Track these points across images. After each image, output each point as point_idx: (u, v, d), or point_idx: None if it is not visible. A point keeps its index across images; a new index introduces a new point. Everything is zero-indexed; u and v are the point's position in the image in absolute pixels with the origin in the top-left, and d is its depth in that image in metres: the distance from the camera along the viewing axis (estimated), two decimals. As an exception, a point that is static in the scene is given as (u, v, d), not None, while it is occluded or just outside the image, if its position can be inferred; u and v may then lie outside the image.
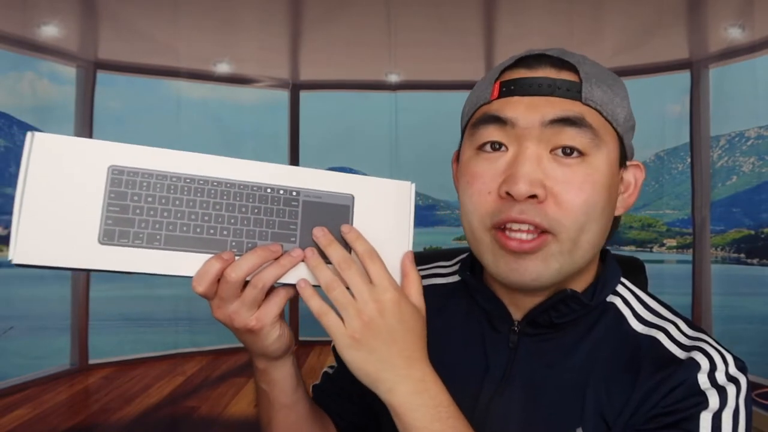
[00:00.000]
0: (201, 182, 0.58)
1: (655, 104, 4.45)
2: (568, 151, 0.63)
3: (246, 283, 0.58)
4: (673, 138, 4.36)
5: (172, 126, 4.55)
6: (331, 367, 0.87)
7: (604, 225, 0.66)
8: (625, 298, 0.71)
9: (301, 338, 4.31)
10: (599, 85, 0.65)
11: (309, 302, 0.59)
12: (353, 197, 0.63)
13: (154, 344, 4.40)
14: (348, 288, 0.58)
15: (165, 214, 0.56)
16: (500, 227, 0.63)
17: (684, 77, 4.05)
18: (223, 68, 4.58)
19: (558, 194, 0.62)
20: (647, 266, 1.00)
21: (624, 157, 0.68)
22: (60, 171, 0.54)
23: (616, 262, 0.74)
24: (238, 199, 0.59)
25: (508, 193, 0.62)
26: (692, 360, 0.62)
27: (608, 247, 0.73)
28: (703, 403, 0.60)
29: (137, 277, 0.57)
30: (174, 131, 4.54)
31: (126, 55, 4.28)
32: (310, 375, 0.73)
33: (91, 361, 3.99)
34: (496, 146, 0.65)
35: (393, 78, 4.79)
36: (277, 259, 0.58)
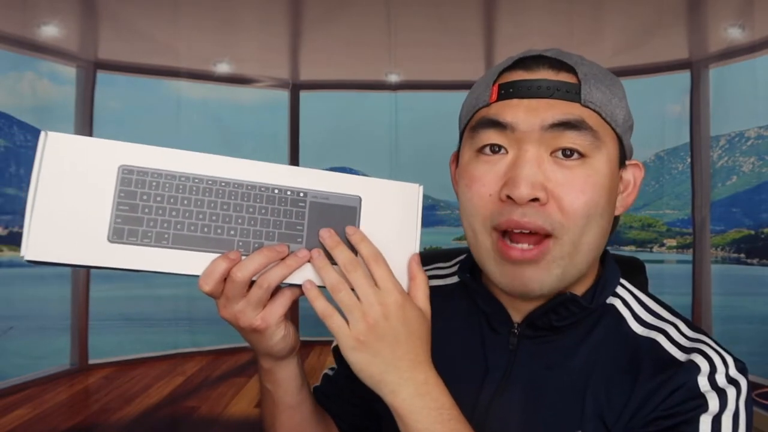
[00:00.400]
0: (209, 182, 0.59)
1: (655, 104, 4.45)
2: (569, 153, 0.63)
3: (252, 283, 0.59)
4: (673, 138, 4.36)
5: (172, 126, 4.55)
6: (332, 368, 0.87)
7: (605, 226, 0.66)
8: (625, 299, 0.71)
9: (301, 338, 4.30)
10: (598, 86, 0.65)
11: (314, 303, 0.59)
12: (360, 199, 0.63)
13: (154, 344, 4.39)
14: (353, 290, 0.59)
15: (173, 213, 0.57)
16: (502, 232, 0.63)
17: (684, 77, 4.05)
18: (223, 68, 4.58)
19: (560, 197, 0.62)
20: (647, 266, 1.00)
21: (623, 156, 0.68)
22: (72, 170, 0.56)
23: (615, 264, 0.74)
24: (245, 199, 0.60)
25: (509, 197, 0.62)
26: (692, 362, 0.62)
27: (608, 248, 0.73)
28: (703, 406, 0.60)
29: (137, 277, 0.57)
30: (174, 131, 4.54)
31: (126, 55, 4.28)
32: (310, 375, 0.73)
33: (91, 361, 3.99)
34: (496, 149, 0.65)
35: (393, 78, 4.79)
36: (283, 259, 0.59)
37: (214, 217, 0.59)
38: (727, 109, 3.99)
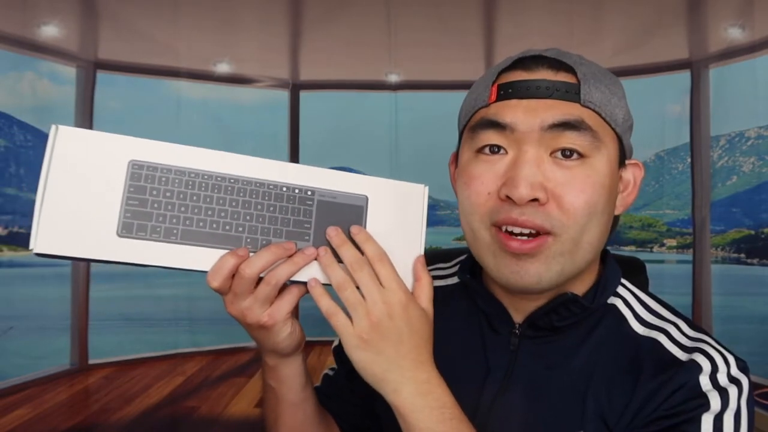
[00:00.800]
0: (218, 179, 0.59)
1: (655, 104, 4.45)
2: (568, 153, 0.62)
3: (259, 280, 0.59)
4: (673, 138, 4.36)
5: (172, 126, 4.55)
6: (332, 369, 0.87)
7: (605, 225, 0.66)
8: (626, 299, 0.71)
9: (301, 338, 4.30)
10: (597, 86, 0.64)
11: (319, 301, 0.59)
12: (367, 198, 0.63)
13: (154, 344, 4.40)
14: (358, 289, 0.59)
15: (182, 209, 0.58)
16: (501, 227, 0.63)
17: (684, 77, 4.05)
18: (223, 68, 4.58)
19: (560, 196, 0.62)
20: (647, 266, 1.00)
21: (623, 156, 0.68)
22: (82, 164, 0.56)
23: (616, 263, 0.74)
24: (254, 196, 0.60)
25: (508, 197, 0.62)
26: (693, 362, 0.62)
27: (608, 248, 0.73)
28: (705, 405, 0.60)
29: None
30: (174, 131, 4.54)
31: (126, 55, 4.28)
32: (311, 375, 0.73)
33: (91, 361, 3.99)
34: (495, 149, 0.64)
35: (393, 78, 4.79)
36: (290, 256, 0.59)
37: (222, 214, 0.59)
38: (727, 109, 3.99)
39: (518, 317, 0.70)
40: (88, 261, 0.56)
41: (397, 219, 0.64)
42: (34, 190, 0.55)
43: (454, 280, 0.81)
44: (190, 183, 0.58)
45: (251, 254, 0.58)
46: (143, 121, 4.72)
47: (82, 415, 3.23)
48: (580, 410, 0.64)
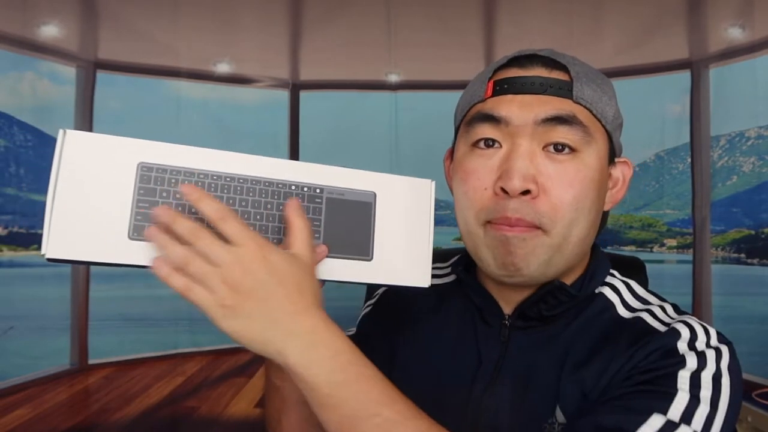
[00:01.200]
0: (227, 179, 0.59)
1: (655, 104, 4.45)
2: (560, 147, 0.64)
3: None
4: (673, 138, 4.36)
5: (172, 126, 4.55)
6: None
7: (593, 220, 0.67)
8: (615, 286, 0.73)
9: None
10: (589, 84, 0.67)
11: (169, 281, 0.53)
12: (375, 194, 0.64)
13: (154, 344, 4.40)
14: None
15: (193, 210, 0.57)
16: (494, 224, 0.65)
17: (684, 77, 4.05)
18: (223, 68, 4.58)
19: (549, 190, 0.64)
20: (647, 266, 1.00)
21: (613, 153, 0.70)
22: (91, 168, 0.56)
23: (605, 256, 0.76)
24: (263, 196, 0.60)
25: (503, 189, 0.63)
26: (672, 329, 0.63)
27: (609, 247, 0.74)
28: (681, 363, 0.60)
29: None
30: (174, 131, 4.54)
31: (126, 55, 4.28)
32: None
33: (91, 361, 3.99)
34: (490, 143, 0.66)
35: (393, 78, 4.79)
36: None
37: None
38: (727, 109, 4.00)
39: (508, 309, 0.72)
40: (100, 265, 0.55)
41: (405, 214, 0.65)
42: (34, 190, 0.54)
43: (451, 278, 0.82)
44: (200, 184, 0.58)
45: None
46: (143, 121, 4.73)
47: (82, 415, 3.24)
48: (557, 385, 0.65)
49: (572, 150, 0.64)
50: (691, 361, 0.60)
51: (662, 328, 0.65)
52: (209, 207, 0.54)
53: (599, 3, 3.88)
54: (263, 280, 0.53)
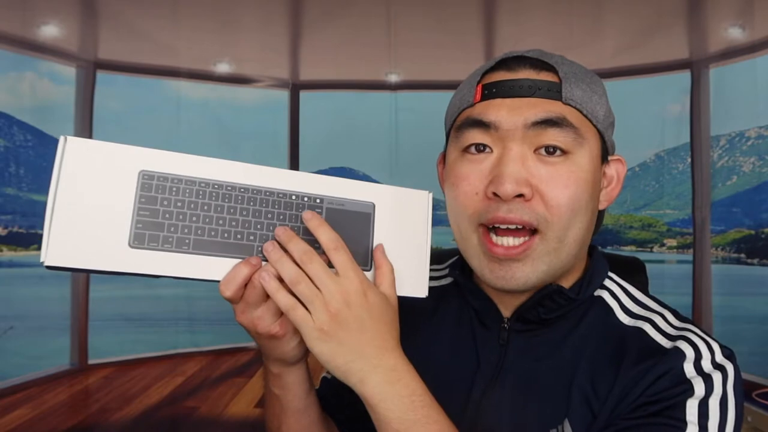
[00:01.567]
0: (228, 188, 0.59)
1: (655, 104, 4.44)
2: (552, 150, 0.64)
3: None
4: (673, 138, 4.35)
5: (172, 126, 4.55)
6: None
7: (589, 220, 0.67)
8: (613, 291, 0.72)
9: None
10: (578, 84, 0.66)
11: (276, 296, 0.57)
12: (374, 205, 0.64)
13: (154, 344, 4.39)
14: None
15: (194, 218, 0.58)
16: (488, 228, 0.65)
17: (684, 77, 4.04)
18: (223, 68, 4.58)
19: (544, 192, 0.63)
20: (648, 266, 1.00)
21: (606, 152, 0.70)
22: (92, 175, 0.55)
23: (603, 258, 0.75)
24: (264, 205, 0.60)
25: (495, 194, 0.63)
26: (677, 349, 0.63)
27: (609, 247, 0.74)
28: (689, 391, 0.60)
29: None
30: (174, 131, 4.54)
31: (126, 55, 4.28)
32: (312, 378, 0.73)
33: (91, 361, 3.99)
34: (481, 148, 0.66)
35: (393, 78, 4.79)
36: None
37: (233, 223, 0.59)
38: (727, 109, 3.99)
39: (507, 312, 0.71)
40: (100, 273, 0.55)
41: (403, 225, 0.65)
42: (34, 190, 0.54)
43: (448, 280, 0.82)
44: (201, 192, 0.58)
45: (263, 263, 0.58)
46: (143, 121, 4.72)
47: (82, 415, 3.24)
48: (566, 400, 0.65)
49: (564, 152, 0.64)
50: (699, 388, 0.60)
51: (666, 344, 0.64)
52: (326, 236, 0.59)
53: (599, 3, 3.88)
54: (360, 314, 0.57)
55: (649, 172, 4.59)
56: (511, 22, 4.20)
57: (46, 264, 0.53)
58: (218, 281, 0.58)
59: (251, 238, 0.59)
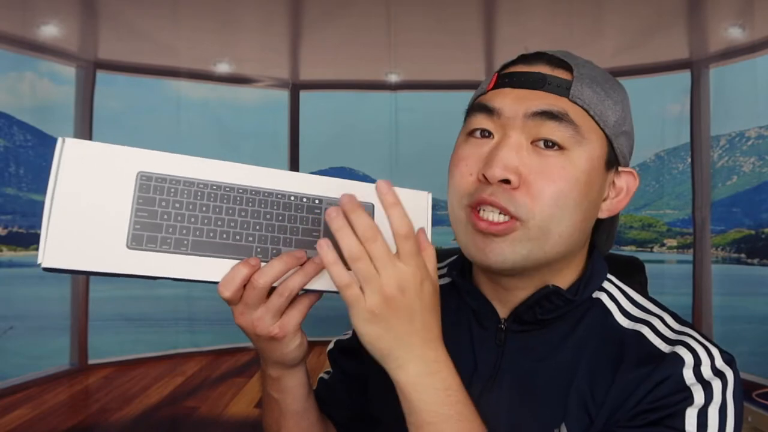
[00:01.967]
0: (227, 189, 0.59)
1: (655, 104, 4.45)
2: (550, 143, 0.64)
3: (271, 290, 0.58)
4: (673, 138, 4.36)
5: (172, 126, 4.55)
6: (327, 372, 0.87)
7: (580, 221, 0.66)
8: (611, 293, 0.72)
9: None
10: (591, 86, 0.66)
11: (330, 269, 0.56)
12: (373, 206, 0.63)
13: (154, 344, 4.39)
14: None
15: (192, 219, 0.57)
16: (474, 207, 0.65)
17: (684, 77, 4.05)
18: (223, 68, 4.58)
19: (530, 183, 0.64)
20: (647, 266, 1.00)
21: (615, 160, 0.69)
22: (89, 176, 0.55)
23: (603, 259, 0.75)
24: (262, 206, 0.60)
25: (485, 176, 0.64)
26: (676, 355, 0.62)
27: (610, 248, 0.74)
28: (689, 399, 0.60)
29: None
30: (174, 131, 4.54)
31: (126, 55, 4.28)
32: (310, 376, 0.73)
33: (91, 361, 3.99)
34: (486, 133, 0.67)
35: (393, 78, 4.79)
36: (301, 265, 0.59)
37: (232, 224, 0.58)
38: (727, 109, 3.99)
39: (504, 312, 0.71)
40: (98, 275, 0.55)
41: None
42: (34, 190, 0.54)
43: (446, 280, 0.81)
44: (199, 193, 0.58)
45: (262, 264, 0.58)
46: (143, 121, 4.72)
47: (82, 415, 3.24)
48: (563, 403, 0.65)
49: (560, 147, 0.64)
50: (698, 396, 0.60)
51: (665, 348, 0.64)
52: (398, 220, 0.58)
53: (599, 3, 3.88)
54: (412, 303, 0.57)
55: (649, 172, 4.59)
56: (511, 22, 4.20)
57: (43, 266, 0.53)
58: (217, 282, 0.58)
59: (250, 239, 0.59)
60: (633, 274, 0.85)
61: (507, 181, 0.63)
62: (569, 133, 0.64)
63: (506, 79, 0.68)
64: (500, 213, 0.64)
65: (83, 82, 4.08)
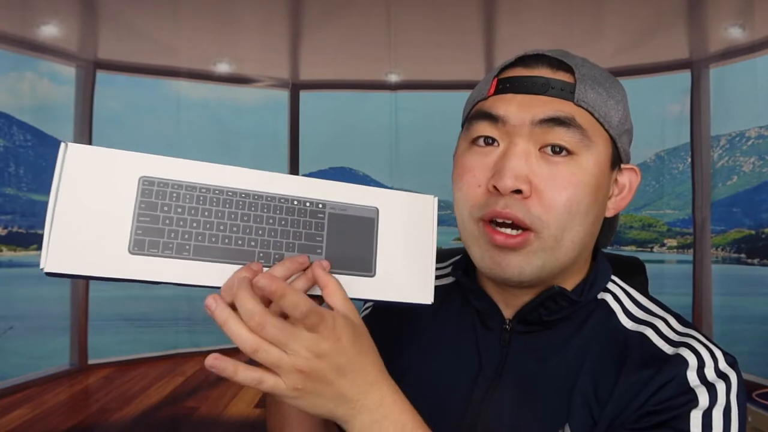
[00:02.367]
0: (229, 193, 0.59)
1: (655, 104, 4.45)
2: (558, 149, 0.64)
3: None
4: (673, 138, 4.36)
5: (172, 126, 4.55)
6: None
7: (590, 224, 0.66)
8: (616, 294, 0.72)
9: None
10: (594, 87, 0.66)
11: (236, 377, 0.52)
12: (378, 210, 0.63)
13: (154, 344, 4.39)
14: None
15: (194, 224, 0.57)
16: (487, 221, 0.65)
17: (684, 77, 4.04)
18: (223, 68, 4.58)
19: (542, 191, 0.63)
20: (648, 266, 1.00)
21: (618, 159, 0.69)
22: (92, 181, 0.55)
23: (607, 261, 0.75)
24: (265, 210, 0.59)
25: (495, 188, 0.63)
26: (680, 357, 0.63)
27: (609, 248, 0.74)
28: (693, 401, 0.60)
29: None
30: (174, 131, 4.54)
31: (126, 55, 4.28)
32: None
33: (91, 361, 3.99)
34: (489, 141, 0.66)
35: (393, 78, 4.79)
36: (304, 270, 0.58)
37: (234, 229, 0.58)
38: (727, 109, 3.99)
39: (508, 313, 0.71)
40: (100, 279, 0.55)
41: (408, 230, 0.64)
42: (34, 190, 0.54)
43: (450, 279, 0.81)
44: (201, 198, 0.58)
45: (265, 269, 0.58)
46: (143, 121, 4.72)
47: (82, 415, 3.24)
48: (567, 404, 0.65)
49: (569, 152, 0.64)
50: (703, 399, 0.60)
51: (669, 350, 0.64)
52: (266, 285, 0.51)
53: (599, 3, 3.88)
54: (336, 360, 0.53)
55: (649, 172, 4.58)
56: (511, 22, 4.20)
57: (45, 270, 0.53)
58: (219, 287, 0.57)
59: (252, 243, 0.58)
60: (633, 274, 0.85)
61: (518, 191, 0.62)
62: (577, 137, 0.64)
63: (507, 83, 0.67)
64: (512, 228, 0.63)
65: (83, 82, 4.08)
